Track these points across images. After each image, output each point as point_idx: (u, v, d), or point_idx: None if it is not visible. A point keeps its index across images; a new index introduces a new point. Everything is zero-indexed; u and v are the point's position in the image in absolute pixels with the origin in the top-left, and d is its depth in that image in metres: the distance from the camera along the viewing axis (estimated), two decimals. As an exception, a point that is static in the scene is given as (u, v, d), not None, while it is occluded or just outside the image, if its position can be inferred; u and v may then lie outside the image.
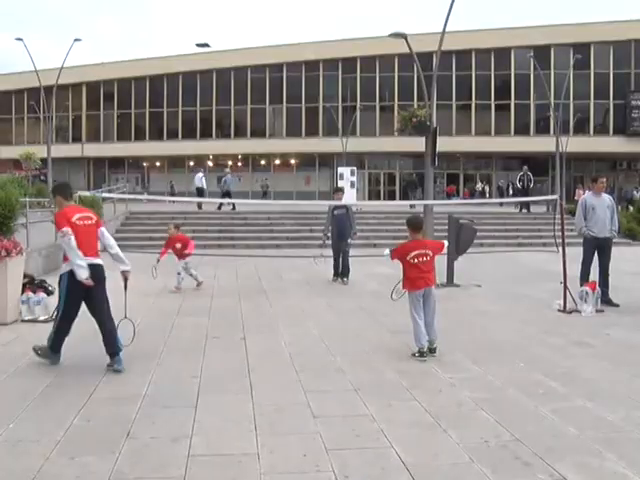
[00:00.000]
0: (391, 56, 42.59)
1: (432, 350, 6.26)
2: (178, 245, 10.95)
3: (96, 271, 5.67)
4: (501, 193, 38.25)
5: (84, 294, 5.70)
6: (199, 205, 24.44)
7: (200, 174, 27.68)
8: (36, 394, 5.01)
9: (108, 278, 5.96)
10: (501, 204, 28.90)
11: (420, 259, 6.33)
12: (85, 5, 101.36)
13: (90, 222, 5.86)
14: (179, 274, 10.70)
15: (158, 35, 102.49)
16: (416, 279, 6.32)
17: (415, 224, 6.55)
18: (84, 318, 8.11)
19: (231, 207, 24.11)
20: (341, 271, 11.85)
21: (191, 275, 10.94)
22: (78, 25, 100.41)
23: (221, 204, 24.09)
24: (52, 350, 5.86)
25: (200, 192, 26.46)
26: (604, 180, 9.69)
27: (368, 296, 10.17)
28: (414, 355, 6.21)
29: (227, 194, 25.09)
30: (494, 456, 3.90)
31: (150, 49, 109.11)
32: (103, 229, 6.02)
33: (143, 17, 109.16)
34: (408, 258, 6.34)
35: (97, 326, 5.86)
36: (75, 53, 79.91)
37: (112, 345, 5.79)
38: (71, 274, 5.59)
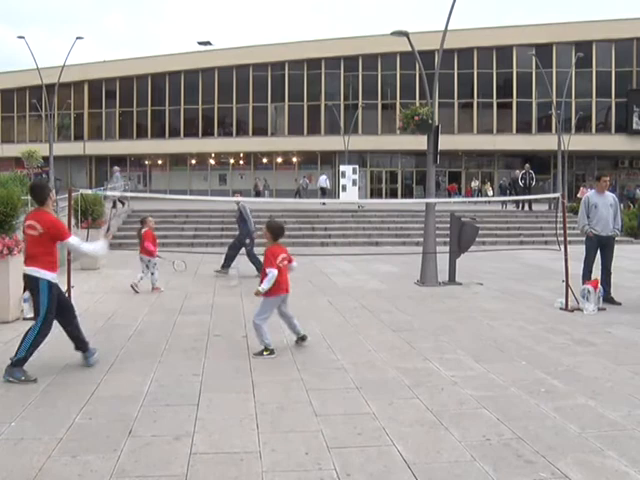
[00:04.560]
0: (393, 54, 42.56)
1: (304, 338, 6.56)
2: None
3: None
4: (503, 191, 38.24)
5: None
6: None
7: (324, 176, 32.26)
8: (38, 392, 5.02)
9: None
10: (503, 204, 28.86)
11: (285, 263, 6.37)
12: (93, 2, 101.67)
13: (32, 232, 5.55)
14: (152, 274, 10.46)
15: (162, 33, 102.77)
16: (281, 283, 6.26)
17: (279, 232, 6.56)
18: (85, 315, 8.13)
19: (122, 205, 25.04)
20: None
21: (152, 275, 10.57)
22: (86, 22, 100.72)
23: (115, 203, 25.02)
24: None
25: (323, 192, 30.75)
26: (607, 179, 9.66)
27: (370, 294, 10.17)
28: (262, 354, 6.19)
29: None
30: (496, 454, 3.90)
31: (155, 47, 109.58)
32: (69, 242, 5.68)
33: (150, 15, 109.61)
34: (278, 262, 6.26)
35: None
36: (82, 51, 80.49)
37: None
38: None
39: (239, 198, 12.54)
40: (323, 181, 32.10)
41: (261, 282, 6.22)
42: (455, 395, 5.06)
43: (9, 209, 8.82)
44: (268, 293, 6.20)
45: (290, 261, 6.49)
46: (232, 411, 4.66)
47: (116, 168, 29.61)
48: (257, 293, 6.24)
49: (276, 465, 3.74)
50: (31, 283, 5.61)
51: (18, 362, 5.37)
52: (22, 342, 5.45)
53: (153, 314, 8.38)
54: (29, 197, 13.00)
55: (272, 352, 6.20)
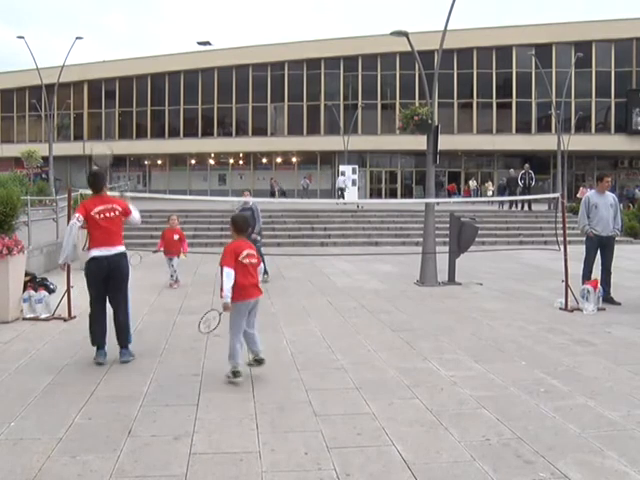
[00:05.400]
0: (392, 54, 42.57)
1: (259, 361, 5.50)
2: (176, 236, 11.11)
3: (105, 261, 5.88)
4: (500, 192, 38.20)
5: (102, 282, 5.89)
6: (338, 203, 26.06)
7: (342, 177, 32.91)
8: (37, 392, 5.02)
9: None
10: (500, 204, 28.78)
11: (251, 260, 5.33)
12: (93, 2, 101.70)
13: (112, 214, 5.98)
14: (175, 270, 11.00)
15: (162, 33, 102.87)
16: (248, 286, 5.27)
17: (241, 224, 5.54)
18: (85, 315, 8.12)
19: None
20: None
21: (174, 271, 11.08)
22: (86, 22, 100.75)
23: None
24: (92, 343, 5.95)
25: (342, 191, 31.51)
26: (609, 179, 9.65)
27: (369, 294, 10.17)
28: (228, 377, 5.32)
29: None
30: (495, 454, 3.90)
31: (155, 47, 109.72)
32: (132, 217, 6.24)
33: (150, 15, 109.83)
34: (240, 259, 5.25)
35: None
36: (82, 51, 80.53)
37: (121, 338, 6.05)
38: (90, 260, 5.90)
39: (249, 198, 12.32)
40: (342, 182, 32.72)
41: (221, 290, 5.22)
42: (455, 395, 5.06)
43: (9, 209, 8.80)
44: (233, 298, 5.20)
45: (259, 261, 5.54)
46: (232, 411, 4.66)
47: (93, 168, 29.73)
48: (225, 307, 5.18)
49: (276, 465, 3.74)
50: (120, 261, 5.95)
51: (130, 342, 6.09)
52: (127, 328, 6.08)
53: (153, 314, 8.38)
54: (29, 197, 13.01)
55: (236, 375, 5.29)
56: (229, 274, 5.14)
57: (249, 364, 5.61)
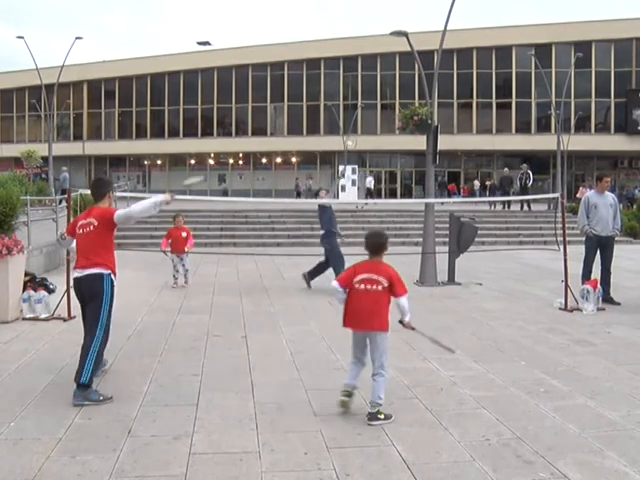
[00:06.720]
0: (392, 54, 42.56)
1: (371, 415, 4.44)
2: (184, 234, 11.11)
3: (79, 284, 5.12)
4: (494, 191, 38.04)
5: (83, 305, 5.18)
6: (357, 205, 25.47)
7: (370, 178, 34.46)
8: (37, 392, 5.01)
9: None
10: (493, 204, 28.58)
11: (365, 285, 4.62)
12: (93, 2, 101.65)
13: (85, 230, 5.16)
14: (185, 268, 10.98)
15: (162, 33, 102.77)
16: (355, 314, 4.64)
17: (371, 244, 4.83)
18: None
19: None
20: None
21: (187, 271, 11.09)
22: (86, 22, 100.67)
23: None
24: None
25: (370, 192, 32.31)
26: (609, 179, 9.66)
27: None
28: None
29: (64, 192, 26.84)
30: (495, 454, 3.90)
31: (155, 47, 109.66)
32: (117, 214, 5.11)
33: (150, 15, 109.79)
34: (354, 282, 4.66)
35: None
36: (82, 51, 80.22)
37: (77, 372, 4.87)
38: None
39: (326, 200, 11.68)
40: (369, 182, 33.29)
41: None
42: (454, 395, 5.06)
43: (8, 209, 8.82)
44: (344, 322, 4.72)
45: (371, 285, 4.61)
46: (231, 411, 4.66)
47: (64, 169, 29.93)
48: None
49: (275, 465, 3.74)
50: (91, 283, 4.98)
51: (87, 385, 4.82)
52: (86, 359, 4.84)
53: (153, 314, 8.38)
54: (28, 197, 13.00)
55: (342, 393, 4.60)
56: (335, 288, 4.71)
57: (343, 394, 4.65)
